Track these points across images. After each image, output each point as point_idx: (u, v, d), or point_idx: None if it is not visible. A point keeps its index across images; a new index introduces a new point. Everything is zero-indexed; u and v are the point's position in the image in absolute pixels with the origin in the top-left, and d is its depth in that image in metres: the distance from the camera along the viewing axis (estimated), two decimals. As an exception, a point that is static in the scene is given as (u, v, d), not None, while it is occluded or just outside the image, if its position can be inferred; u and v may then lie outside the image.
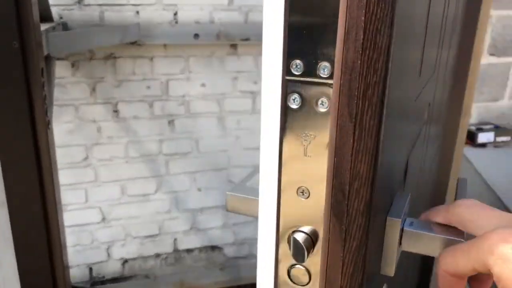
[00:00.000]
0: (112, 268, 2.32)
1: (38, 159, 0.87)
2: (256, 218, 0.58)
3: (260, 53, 1.96)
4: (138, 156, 2.18)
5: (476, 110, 2.38)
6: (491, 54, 2.32)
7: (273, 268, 0.47)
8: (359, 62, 0.35)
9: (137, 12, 2.02)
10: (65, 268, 1.04)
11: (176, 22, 2.06)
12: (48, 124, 0.91)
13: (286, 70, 0.40)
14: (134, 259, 2.34)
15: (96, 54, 2.03)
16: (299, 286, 0.46)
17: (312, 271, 0.45)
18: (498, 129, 2.25)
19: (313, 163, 0.42)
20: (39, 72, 0.89)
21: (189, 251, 2.39)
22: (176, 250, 2.37)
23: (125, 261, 2.34)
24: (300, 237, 0.43)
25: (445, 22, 0.74)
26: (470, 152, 2.10)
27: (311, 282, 0.45)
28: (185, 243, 2.36)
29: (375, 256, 0.46)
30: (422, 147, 0.83)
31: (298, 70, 0.40)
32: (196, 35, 2.07)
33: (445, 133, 0.86)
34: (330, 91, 0.39)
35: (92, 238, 2.25)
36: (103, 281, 2.31)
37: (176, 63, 2.12)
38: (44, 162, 0.88)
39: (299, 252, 0.43)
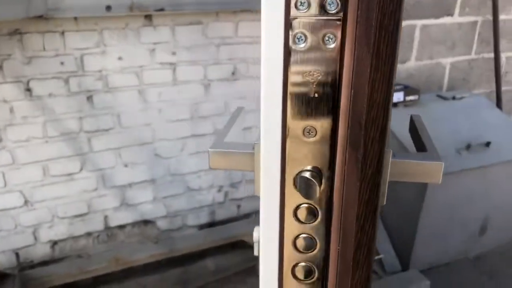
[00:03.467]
0: (41, 251, 2.16)
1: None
2: (239, 171, 0.56)
3: (176, 24, 1.89)
4: (58, 135, 2.02)
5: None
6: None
7: (278, 210, 0.46)
8: (374, -9, 0.35)
9: (40, -16, 1.83)
10: None
11: (86, -6, 1.89)
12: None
13: (290, 7, 0.39)
14: (64, 240, 2.19)
15: (0, 30, 1.81)
16: (307, 224, 0.46)
17: (319, 207, 0.45)
18: (407, 89, 2.35)
19: (320, 102, 0.41)
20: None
21: (121, 227, 2.29)
22: (107, 227, 2.26)
23: (55, 243, 2.18)
24: (309, 175, 0.43)
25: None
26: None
27: (319, 218, 0.45)
28: (116, 220, 2.26)
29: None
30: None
31: (303, 6, 0.39)
32: (108, 7, 1.93)
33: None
34: (338, 26, 0.38)
35: (15, 222, 2.07)
36: (32, 266, 2.15)
37: (89, 37, 1.97)
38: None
39: (311, 189, 0.43)
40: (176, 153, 2.27)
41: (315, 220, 0.45)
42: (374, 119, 0.38)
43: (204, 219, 2.46)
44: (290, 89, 0.41)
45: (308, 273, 0.47)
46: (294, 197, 0.45)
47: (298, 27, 0.39)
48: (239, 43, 2.22)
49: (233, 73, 2.26)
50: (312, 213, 0.45)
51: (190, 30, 2.11)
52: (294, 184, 0.44)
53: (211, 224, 2.49)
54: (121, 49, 2.03)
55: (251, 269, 2.32)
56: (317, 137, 0.42)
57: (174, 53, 2.11)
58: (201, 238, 2.41)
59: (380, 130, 0.38)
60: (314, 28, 0.39)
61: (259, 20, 1.72)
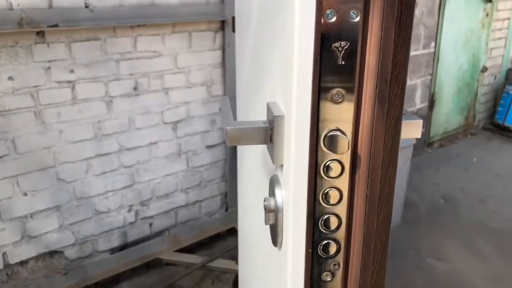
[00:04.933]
0: None
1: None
2: (251, 146, 0.61)
3: (72, 40, 1.83)
4: None
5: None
6: None
7: (307, 169, 0.53)
8: (396, -26, 0.44)
9: None
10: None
11: (-35, 9, 1.73)
12: None
13: (322, -11, 0.46)
14: (-45, 290, 1.92)
15: None
16: (332, 179, 0.53)
17: (345, 163, 0.52)
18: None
19: (346, 68, 0.49)
20: None
21: (23, 263, 2.08)
22: (7, 265, 2.03)
23: None
24: (338, 132, 0.51)
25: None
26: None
27: (345, 171, 0.53)
28: (17, 256, 2.05)
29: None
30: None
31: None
32: (-7, 23, 1.79)
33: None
34: (361, 2, 0.47)
35: None
36: None
37: (-27, 56, 1.79)
38: None
39: (340, 145, 0.50)
40: (80, 175, 2.15)
41: (341, 175, 0.53)
42: (397, 76, 0.47)
43: (115, 242, 2.36)
44: (321, 56, 0.48)
45: (333, 223, 0.54)
46: (323, 156, 0.52)
47: (328, 5, 0.46)
48: (139, 58, 2.21)
49: (135, 88, 2.23)
50: (339, 168, 0.52)
51: (88, 46, 2.05)
52: (324, 143, 0.51)
53: (123, 247, 2.39)
54: (12, 68, 1.88)
55: (170, 286, 2.28)
56: (344, 99, 0.50)
57: (72, 71, 2.02)
58: (114, 262, 2.30)
59: (401, 87, 0.47)
60: (341, 4, 0.47)
61: (157, 34, 1.82)
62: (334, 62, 0.48)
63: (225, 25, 2.48)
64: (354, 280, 0.55)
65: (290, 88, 0.51)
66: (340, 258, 0.55)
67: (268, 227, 0.68)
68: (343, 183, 0.53)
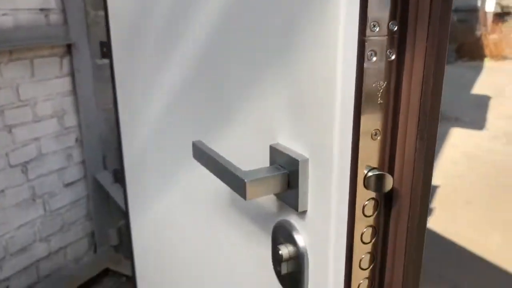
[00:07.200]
0: None
1: None
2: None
3: None
4: None
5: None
6: None
7: (346, 213, 0.51)
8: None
9: None
10: None
11: None
12: None
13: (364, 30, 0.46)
14: None
15: None
16: (368, 218, 0.53)
17: (380, 200, 0.53)
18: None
19: (384, 107, 0.50)
20: None
21: None
22: None
23: None
24: (376, 172, 0.51)
25: None
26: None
27: (380, 209, 0.53)
28: None
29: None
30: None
31: (375, 29, 0.47)
32: None
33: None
34: (395, 42, 0.48)
35: None
36: None
37: None
38: None
39: (383, 183, 0.50)
40: None
41: (377, 212, 0.52)
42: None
43: (-35, 320, 1.92)
44: (363, 95, 0.48)
45: (369, 261, 0.54)
46: (362, 195, 0.51)
47: (370, 45, 0.46)
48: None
49: (-30, 130, 1.86)
50: (376, 205, 0.52)
51: None
52: (364, 183, 0.50)
53: (-24, 323, 1.96)
54: None
55: None
56: (381, 138, 0.50)
57: None
58: None
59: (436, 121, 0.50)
60: (381, 45, 0.47)
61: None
62: (375, 101, 0.48)
63: (72, 49, 2.24)
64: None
65: (322, 128, 0.49)
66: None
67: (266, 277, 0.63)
68: (379, 220, 0.53)
